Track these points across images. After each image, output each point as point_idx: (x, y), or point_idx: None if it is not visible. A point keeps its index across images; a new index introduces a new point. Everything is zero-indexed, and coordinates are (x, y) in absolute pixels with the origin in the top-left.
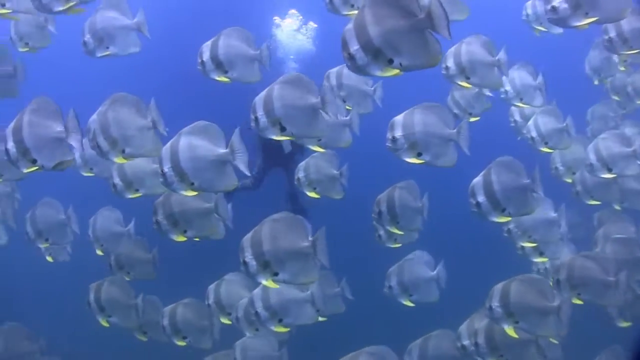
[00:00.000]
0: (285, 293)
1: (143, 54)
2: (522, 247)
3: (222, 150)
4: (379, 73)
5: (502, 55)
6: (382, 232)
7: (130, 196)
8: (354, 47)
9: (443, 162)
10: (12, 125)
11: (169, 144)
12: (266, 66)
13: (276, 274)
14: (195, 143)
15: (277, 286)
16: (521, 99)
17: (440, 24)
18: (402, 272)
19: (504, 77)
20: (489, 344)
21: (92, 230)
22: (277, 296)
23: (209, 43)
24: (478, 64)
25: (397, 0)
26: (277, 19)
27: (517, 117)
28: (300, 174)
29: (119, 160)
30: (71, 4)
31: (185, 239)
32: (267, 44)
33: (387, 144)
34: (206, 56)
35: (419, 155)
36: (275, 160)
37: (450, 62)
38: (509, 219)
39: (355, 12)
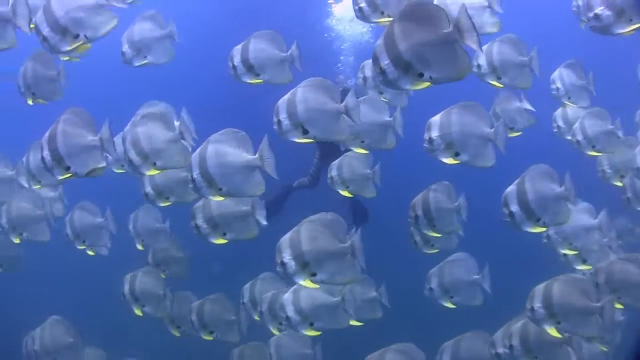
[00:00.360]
0: (316, 297)
1: (198, 55)
2: (565, 255)
3: (250, 156)
4: (409, 87)
5: (533, 55)
6: (418, 238)
7: (162, 204)
8: (385, 61)
9: (481, 163)
10: (47, 134)
11: (197, 151)
12: (298, 67)
13: (314, 275)
14: (223, 150)
15: (317, 286)
16: (569, 98)
17: (469, 36)
18: (442, 274)
19: (554, 74)
20: (523, 346)
21: (132, 226)
22: (309, 300)
23: (239, 47)
24: (510, 64)
25: (426, 14)
26: (332, 3)
27: (561, 123)
28: (333, 172)
29: (150, 172)
30: (77, 44)
31: (225, 241)
32: (297, 45)
33: (424, 145)
34: (237, 60)
35: (456, 155)
36: (332, 157)
37: (482, 61)
38: (544, 229)
39: (385, 19)
